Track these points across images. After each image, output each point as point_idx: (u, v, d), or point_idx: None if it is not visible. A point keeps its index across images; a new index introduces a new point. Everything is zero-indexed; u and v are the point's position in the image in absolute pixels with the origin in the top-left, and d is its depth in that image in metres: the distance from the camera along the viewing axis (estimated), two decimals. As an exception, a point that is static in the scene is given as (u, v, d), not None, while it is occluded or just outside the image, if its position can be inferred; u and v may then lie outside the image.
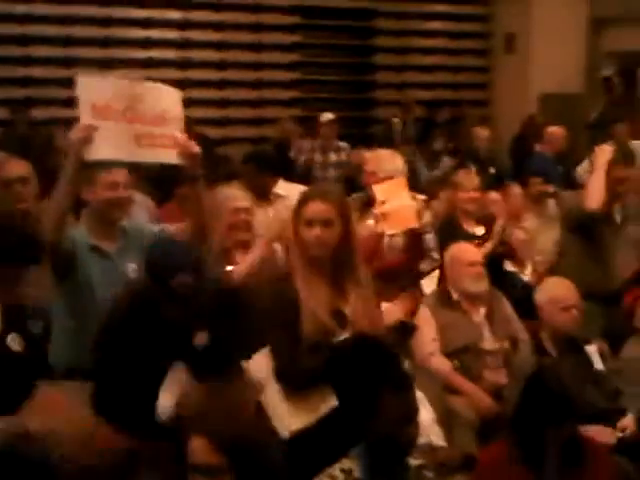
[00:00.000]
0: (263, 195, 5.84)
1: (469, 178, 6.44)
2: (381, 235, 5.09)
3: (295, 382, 3.48)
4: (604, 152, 5.68)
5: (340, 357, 3.34)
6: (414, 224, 5.18)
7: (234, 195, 4.93)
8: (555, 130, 9.43)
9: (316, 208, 3.57)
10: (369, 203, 5.32)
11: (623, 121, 9.72)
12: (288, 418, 3.44)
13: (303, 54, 12.39)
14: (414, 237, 5.37)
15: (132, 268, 4.06)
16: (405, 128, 11.26)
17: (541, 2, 12.72)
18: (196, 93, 11.36)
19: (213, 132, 10.85)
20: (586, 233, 5.54)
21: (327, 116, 9.45)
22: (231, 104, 11.89)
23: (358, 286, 3.60)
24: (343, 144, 9.34)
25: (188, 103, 10.62)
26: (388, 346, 3.56)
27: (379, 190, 5.16)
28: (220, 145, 10.49)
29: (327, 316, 3.49)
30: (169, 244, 3.84)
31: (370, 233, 5.03)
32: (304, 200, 3.65)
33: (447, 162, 10.10)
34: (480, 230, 6.20)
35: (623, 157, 5.74)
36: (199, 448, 2.47)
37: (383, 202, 5.10)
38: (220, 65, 11.78)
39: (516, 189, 7.35)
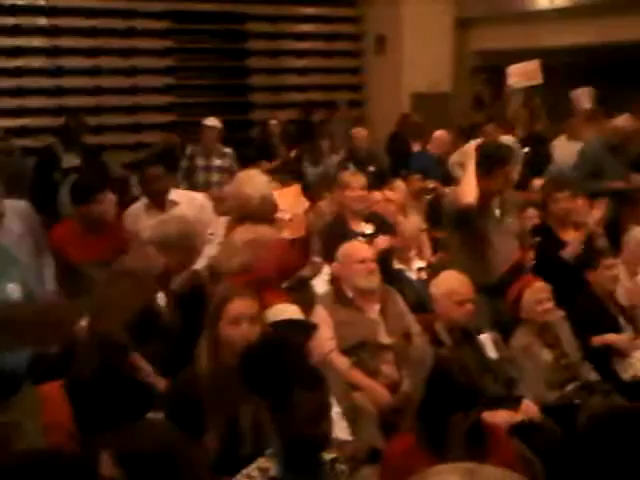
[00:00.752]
0: (160, 201, 5.86)
1: (355, 177, 6.55)
2: (286, 240, 5.18)
3: None
4: (473, 149, 5.83)
5: (252, 358, 3.39)
6: (303, 231, 5.32)
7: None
8: (441, 134, 9.92)
9: (243, 304, 3.60)
10: None
11: (493, 121, 10.14)
12: None
13: (177, 59, 12.37)
14: (303, 242, 5.47)
15: (10, 287, 3.88)
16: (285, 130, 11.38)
17: (409, 3, 13.01)
18: (69, 101, 11.18)
19: (88, 140, 10.66)
20: (465, 228, 5.66)
21: (211, 121, 9.43)
22: (106, 111, 11.74)
23: None
24: (227, 150, 9.32)
25: (61, 111, 10.54)
26: (297, 345, 3.63)
27: (278, 198, 5.27)
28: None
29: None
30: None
31: (276, 239, 5.07)
32: (227, 298, 3.64)
33: (332, 160, 10.29)
34: (369, 228, 6.33)
35: (500, 154, 5.89)
36: (103, 461, 2.48)
37: (282, 210, 5.22)
38: (93, 72, 11.62)
39: (400, 185, 7.53)
